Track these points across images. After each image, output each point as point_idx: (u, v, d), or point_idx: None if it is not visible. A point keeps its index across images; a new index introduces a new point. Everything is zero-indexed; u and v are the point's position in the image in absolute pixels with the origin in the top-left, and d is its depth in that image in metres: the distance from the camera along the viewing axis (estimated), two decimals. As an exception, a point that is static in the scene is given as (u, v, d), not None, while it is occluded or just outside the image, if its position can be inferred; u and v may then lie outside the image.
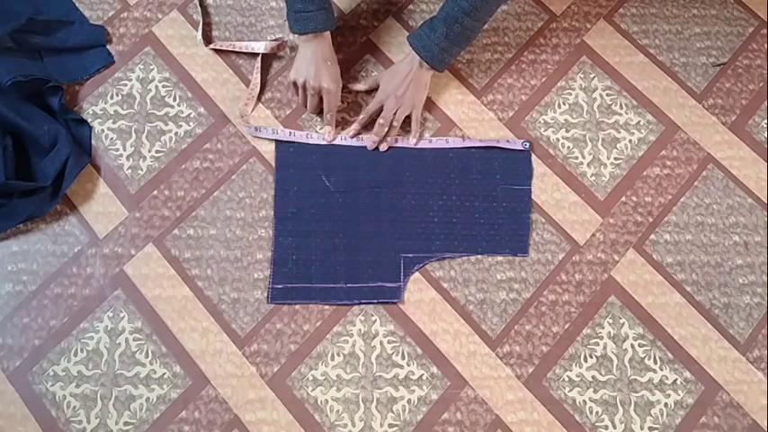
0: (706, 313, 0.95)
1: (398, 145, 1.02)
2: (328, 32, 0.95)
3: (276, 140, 1.02)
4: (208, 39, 1.08)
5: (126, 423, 0.89)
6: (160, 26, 1.10)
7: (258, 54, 1.06)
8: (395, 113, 0.99)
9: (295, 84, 1.00)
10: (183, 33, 1.09)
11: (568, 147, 1.04)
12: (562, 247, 0.98)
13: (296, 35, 0.96)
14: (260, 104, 1.05)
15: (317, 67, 0.94)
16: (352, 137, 1.02)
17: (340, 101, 1.01)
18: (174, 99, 1.05)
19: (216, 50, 1.08)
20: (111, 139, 1.03)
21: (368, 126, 1.03)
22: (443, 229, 0.98)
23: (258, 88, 1.04)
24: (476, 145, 1.02)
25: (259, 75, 1.05)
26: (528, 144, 1.02)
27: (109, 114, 1.04)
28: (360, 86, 1.04)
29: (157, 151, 1.02)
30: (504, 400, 0.91)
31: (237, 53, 1.07)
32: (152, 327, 0.93)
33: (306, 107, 1.02)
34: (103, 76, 1.06)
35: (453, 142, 1.02)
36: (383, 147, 1.01)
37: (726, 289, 0.97)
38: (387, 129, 1.00)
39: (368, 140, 1.01)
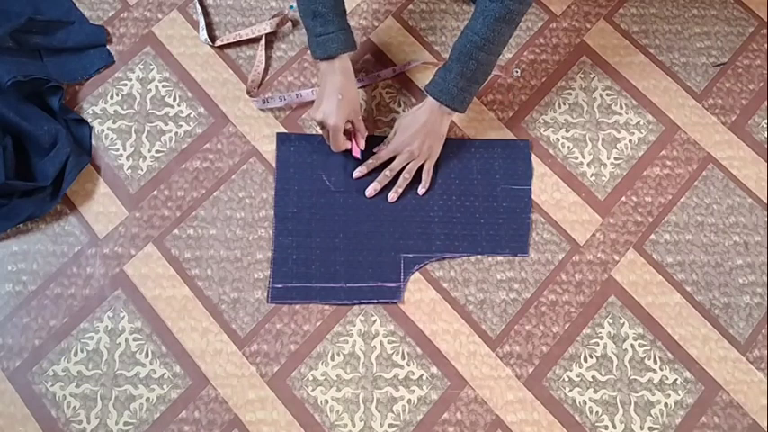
0: (706, 313, 0.95)
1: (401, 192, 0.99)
2: (347, 57, 0.92)
3: (277, 141, 1.02)
4: (211, 38, 1.08)
5: (126, 423, 0.89)
6: (160, 26, 1.10)
7: (262, 35, 1.07)
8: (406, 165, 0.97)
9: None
10: (183, 33, 1.09)
11: (568, 147, 1.04)
12: (562, 247, 0.98)
13: (317, 61, 0.92)
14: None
15: (328, 102, 0.91)
16: (356, 178, 0.98)
17: (363, 129, 0.97)
18: (174, 99, 1.05)
19: (216, 51, 1.08)
20: (111, 139, 1.03)
21: (376, 170, 0.99)
22: (443, 229, 0.98)
23: (263, 65, 1.05)
24: (477, 138, 1.02)
25: (263, 52, 1.06)
26: (528, 144, 1.03)
27: (109, 114, 1.04)
28: (381, 149, 0.99)
29: (157, 151, 1.02)
30: (504, 400, 0.91)
31: (239, 48, 1.07)
32: (152, 327, 0.93)
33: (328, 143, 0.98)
34: (103, 76, 1.06)
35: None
36: (392, 197, 0.98)
37: (726, 289, 0.97)
38: (390, 179, 0.98)
39: (369, 188, 0.98)
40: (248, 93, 1.04)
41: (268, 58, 1.07)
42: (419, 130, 0.95)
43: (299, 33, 1.10)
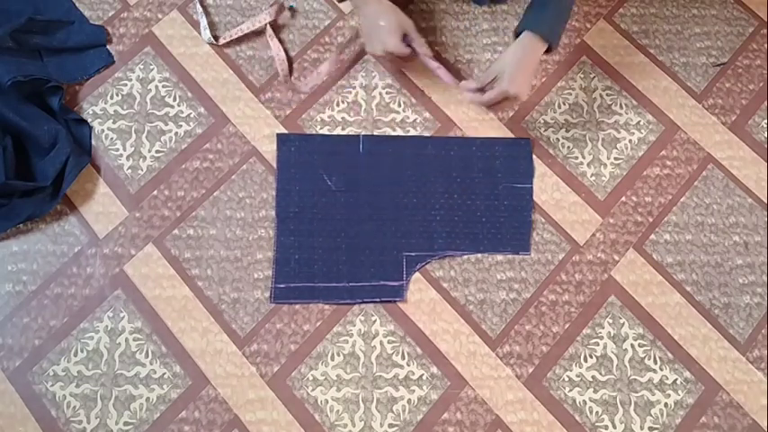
0: (706, 313, 0.96)
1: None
2: None
3: (278, 141, 1.02)
4: (213, 37, 1.08)
5: (126, 423, 0.89)
6: (160, 26, 1.10)
7: (264, 25, 1.08)
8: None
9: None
10: (183, 33, 1.09)
11: (568, 147, 1.04)
12: (562, 247, 0.98)
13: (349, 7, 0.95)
14: (260, 104, 1.05)
15: (370, 35, 0.94)
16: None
17: (421, 41, 0.97)
18: (174, 99, 1.05)
19: (216, 51, 1.07)
20: (111, 139, 1.03)
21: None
22: (445, 228, 0.98)
23: (282, 51, 1.06)
24: (478, 137, 1.02)
25: (275, 39, 1.07)
26: (529, 142, 1.03)
27: (109, 114, 1.04)
28: (472, 85, 0.98)
29: (157, 151, 1.02)
30: (504, 400, 0.91)
31: (239, 48, 1.07)
32: (152, 327, 0.93)
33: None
34: (103, 76, 1.06)
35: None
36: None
37: (726, 289, 0.97)
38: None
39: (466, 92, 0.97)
40: (284, 80, 1.05)
41: (282, 42, 1.07)
42: (523, 69, 0.94)
43: (302, 18, 1.09)
